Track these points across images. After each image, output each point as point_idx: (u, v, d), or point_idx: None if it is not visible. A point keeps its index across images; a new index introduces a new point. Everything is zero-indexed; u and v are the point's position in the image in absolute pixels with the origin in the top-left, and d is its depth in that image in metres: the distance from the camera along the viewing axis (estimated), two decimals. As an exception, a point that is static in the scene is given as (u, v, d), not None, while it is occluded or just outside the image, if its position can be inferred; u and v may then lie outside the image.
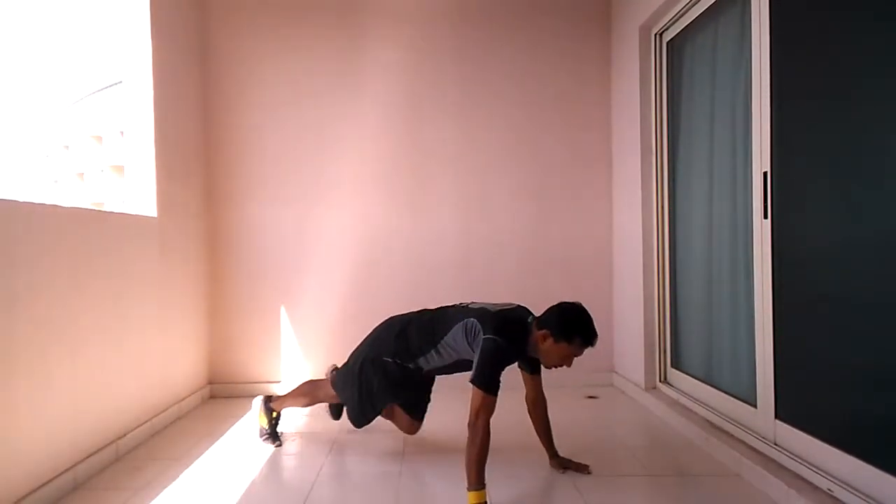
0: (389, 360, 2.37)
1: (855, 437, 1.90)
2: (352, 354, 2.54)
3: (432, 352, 2.29)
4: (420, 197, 3.69)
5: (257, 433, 2.72)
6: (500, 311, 2.19)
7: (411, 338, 2.34)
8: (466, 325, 2.18)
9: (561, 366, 2.15)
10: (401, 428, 2.59)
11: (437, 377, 2.52)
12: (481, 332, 2.10)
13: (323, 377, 2.86)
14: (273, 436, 2.69)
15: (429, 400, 2.58)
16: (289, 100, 3.63)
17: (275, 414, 2.71)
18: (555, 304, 2.18)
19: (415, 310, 2.51)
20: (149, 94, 2.96)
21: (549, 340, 2.09)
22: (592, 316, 2.14)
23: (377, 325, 2.54)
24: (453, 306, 2.38)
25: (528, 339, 2.15)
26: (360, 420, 2.49)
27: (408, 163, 3.68)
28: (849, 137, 1.93)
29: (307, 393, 2.71)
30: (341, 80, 3.65)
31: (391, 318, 2.51)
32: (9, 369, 1.92)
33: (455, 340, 2.22)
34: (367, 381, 2.40)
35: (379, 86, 3.67)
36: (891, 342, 1.74)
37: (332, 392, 2.59)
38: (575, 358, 2.13)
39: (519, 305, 2.28)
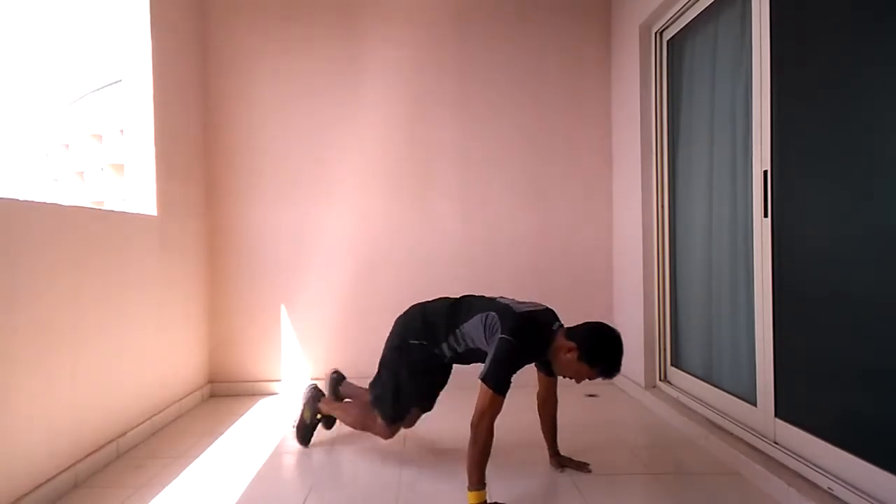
0: (416, 342, 2.32)
1: (855, 435, 1.90)
2: (382, 355, 2.47)
3: (451, 337, 2.26)
4: (421, 195, 3.69)
5: (295, 421, 2.65)
6: (524, 311, 2.13)
7: (436, 320, 2.31)
8: (487, 317, 2.15)
9: (570, 378, 2.13)
10: (407, 426, 2.45)
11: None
12: (499, 330, 2.06)
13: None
14: (306, 436, 2.63)
15: (437, 397, 2.46)
16: (289, 98, 3.63)
17: (319, 416, 2.65)
18: (594, 321, 2.11)
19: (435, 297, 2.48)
20: (149, 92, 2.96)
21: (573, 355, 2.04)
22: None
23: (399, 315, 2.47)
24: (480, 296, 2.35)
25: (548, 344, 2.11)
26: (386, 410, 2.35)
27: (408, 161, 3.68)
28: (849, 136, 1.93)
29: (357, 418, 2.51)
30: (342, 78, 3.65)
31: (414, 305, 2.46)
32: (9, 368, 1.93)
33: (474, 329, 2.19)
34: (398, 371, 2.34)
35: (379, 84, 3.67)
36: (891, 341, 1.74)
37: (381, 423, 2.38)
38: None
39: (547, 308, 2.23)
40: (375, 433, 2.44)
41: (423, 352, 2.31)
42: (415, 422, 2.46)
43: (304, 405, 2.66)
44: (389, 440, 2.45)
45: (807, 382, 2.13)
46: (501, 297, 2.29)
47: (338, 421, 2.72)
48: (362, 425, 2.50)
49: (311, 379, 3.61)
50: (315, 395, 2.68)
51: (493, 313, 2.14)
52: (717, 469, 2.33)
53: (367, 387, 2.50)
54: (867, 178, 1.86)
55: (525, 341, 2.05)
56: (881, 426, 1.81)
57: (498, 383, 1.99)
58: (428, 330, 2.31)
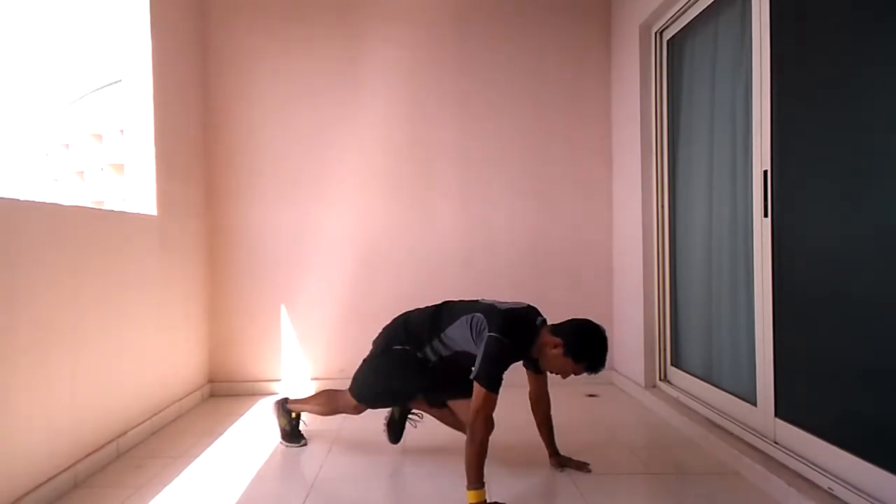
0: (399, 347, 2.34)
1: (855, 435, 1.90)
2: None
3: (435, 341, 2.27)
4: (421, 195, 3.69)
5: (280, 436, 2.70)
6: (509, 309, 2.16)
7: (417, 327, 2.33)
8: (472, 319, 2.16)
9: (556, 374, 2.16)
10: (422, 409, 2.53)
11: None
12: (486, 329, 2.08)
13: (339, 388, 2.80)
14: (295, 436, 2.68)
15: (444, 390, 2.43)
16: (289, 98, 3.63)
17: (293, 415, 2.69)
18: (579, 318, 2.15)
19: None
20: (148, 92, 2.96)
21: (559, 350, 2.07)
22: (592, 314, 2.13)
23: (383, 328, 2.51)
24: (461, 301, 2.36)
25: (534, 340, 2.13)
26: (363, 392, 2.42)
27: (408, 161, 3.68)
28: (849, 136, 1.93)
29: (326, 402, 2.61)
30: (342, 78, 3.65)
31: (398, 316, 2.48)
32: (9, 368, 1.92)
33: (459, 333, 2.20)
34: (375, 365, 2.39)
35: (379, 84, 3.67)
36: (891, 341, 1.74)
37: (351, 401, 2.47)
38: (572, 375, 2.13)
39: (529, 305, 2.25)
40: (343, 410, 2.52)
41: (405, 355, 2.33)
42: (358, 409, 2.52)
43: (277, 417, 2.71)
44: (359, 415, 2.54)
45: (807, 382, 2.13)
46: (482, 299, 2.32)
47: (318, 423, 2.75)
48: (332, 408, 2.57)
49: (311, 379, 3.61)
50: (281, 402, 2.73)
51: (479, 314, 2.16)
52: (717, 469, 2.33)
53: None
54: (867, 178, 1.86)
55: (513, 338, 2.07)
56: (881, 426, 1.81)
57: (490, 381, 2.00)
58: (411, 336, 2.34)
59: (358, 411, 2.51)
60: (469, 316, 2.18)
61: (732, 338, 2.62)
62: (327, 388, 2.77)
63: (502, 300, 2.29)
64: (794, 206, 2.16)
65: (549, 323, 2.20)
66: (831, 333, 2.00)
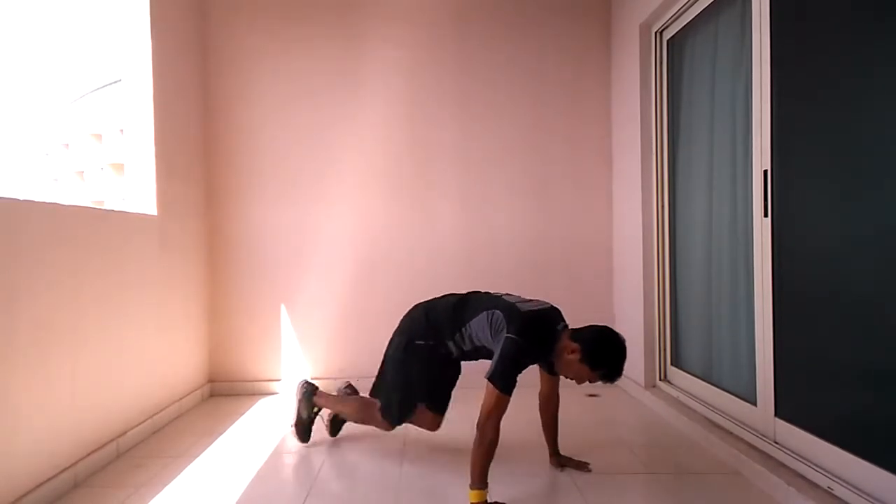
0: (422, 342, 2.31)
1: (855, 434, 1.90)
2: (385, 355, 2.46)
3: (458, 335, 2.25)
4: (421, 195, 3.69)
5: (293, 420, 2.64)
6: (530, 311, 2.13)
7: (440, 320, 2.30)
8: (493, 316, 2.14)
9: (571, 379, 2.14)
10: (423, 426, 2.43)
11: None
12: (505, 329, 2.06)
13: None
14: (305, 432, 2.65)
15: (450, 396, 2.44)
16: (289, 98, 3.63)
17: (315, 409, 2.65)
18: (600, 325, 2.12)
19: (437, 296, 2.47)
20: (148, 92, 2.96)
21: (576, 356, 2.04)
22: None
23: (403, 315, 2.46)
24: (486, 293, 2.34)
25: (553, 344, 2.11)
26: (393, 415, 2.36)
27: (408, 161, 3.68)
28: (849, 136, 1.93)
29: (360, 411, 2.54)
30: (342, 78, 3.65)
31: (418, 305, 2.45)
32: (10, 367, 1.93)
33: (479, 328, 2.18)
34: (406, 369, 2.33)
35: (379, 84, 3.67)
36: (890, 340, 1.74)
37: (383, 421, 2.40)
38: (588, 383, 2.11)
39: (552, 307, 2.22)
40: (376, 426, 2.45)
41: (431, 351, 2.31)
42: (435, 425, 2.40)
43: (299, 402, 2.66)
44: (390, 432, 2.47)
45: (807, 382, 2.13)
46: (507, 295, 2.28)
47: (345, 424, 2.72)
48: (362, 417, 2.50)
49: (312, 378, 3.61)
50: (309, 389, 2.67)
51: (499, 312, 2.13)
52: (717, 469, 2.33)
53: (370, 393, 2.49)
54: (867, 178, 1.86)
55: (531, 341, 2.05)
56: (881, 426, 1.81)
57: (504, 383, 1.98)
58: (433, 330, 2.31)
59: (388, 428, 2.43)
60: (490, 312, 2.16)
61: (732, 338, 2.62)
62: (358, 397, 2.67)
63: (527, 298, 2.25)
64: (794, 206, 2.16)
65: (569, 327, 2.17)
66: (831, 333, 2.01)
